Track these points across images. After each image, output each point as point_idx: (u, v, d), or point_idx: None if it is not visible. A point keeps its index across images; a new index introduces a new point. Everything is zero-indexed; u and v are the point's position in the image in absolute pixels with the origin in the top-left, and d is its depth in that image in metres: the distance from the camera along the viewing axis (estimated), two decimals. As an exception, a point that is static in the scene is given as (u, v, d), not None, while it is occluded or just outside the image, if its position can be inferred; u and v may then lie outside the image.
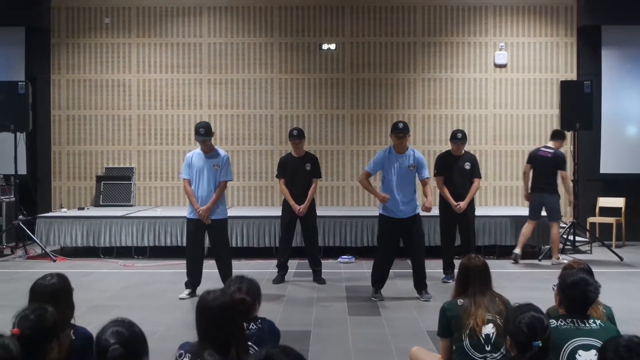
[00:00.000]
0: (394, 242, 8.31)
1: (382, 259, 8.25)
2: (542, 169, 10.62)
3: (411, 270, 8.31)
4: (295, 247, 9.75)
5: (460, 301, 4.33)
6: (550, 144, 10.83)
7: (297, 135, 9.23)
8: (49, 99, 13.50)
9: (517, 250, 10.60)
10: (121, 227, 11.19)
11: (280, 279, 9.19)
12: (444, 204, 9.40)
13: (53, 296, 3.62)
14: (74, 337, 3.65)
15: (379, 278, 8.24)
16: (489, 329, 4.18)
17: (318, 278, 9.22)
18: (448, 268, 9.30)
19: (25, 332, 2.98)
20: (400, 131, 8.13)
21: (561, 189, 10.86)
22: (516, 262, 10.52)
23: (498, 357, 4.11)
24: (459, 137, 9.42)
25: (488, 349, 4.16)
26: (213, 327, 3.27)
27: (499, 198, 13.29)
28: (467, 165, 9.36)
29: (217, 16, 13.53)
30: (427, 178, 8.30)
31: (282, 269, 9.27)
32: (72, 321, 3.78)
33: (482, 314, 4.20)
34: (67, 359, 3.49)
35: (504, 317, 4.02)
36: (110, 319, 3.10)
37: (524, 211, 12.02)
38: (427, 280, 8.28)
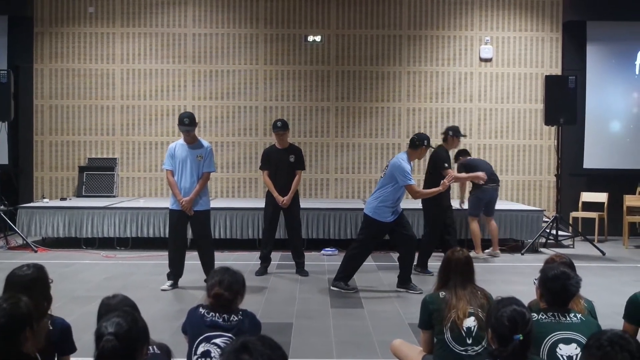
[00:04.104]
0: (377, 242, 8.50)
1: (363, 257, 8.31)
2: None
3: (393, 263, 8.32)
4: (278, 239, 9.73)
5: (442, 294, 4.33)
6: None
7: (281, 127, 9.18)
8: (32, 88, 13.38)
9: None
10: (103, 218, 11.12)
11: (263, 270, 9.16)
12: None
13: (28, 286, 3.58)
14: (51, 327, 3.63)
15: (353, 273, 8.30)
16: (470, 322, 4.17)
17: (301, 270, 9.20)
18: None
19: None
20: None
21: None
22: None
23: (479, 350, 4.11)
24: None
25: (469, 342, 4.16)
26: None
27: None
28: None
29: (202, 6, 13.45)
30: None
31: (265, 260, 9.24)
32: (49, 312, 3.74)
33: (464, 307, 4.20)
34: (45, 349, 3.47)
35: (485, 311, 4.03)
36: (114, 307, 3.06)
37: (507, 205, 12.11)
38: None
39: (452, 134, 9.51)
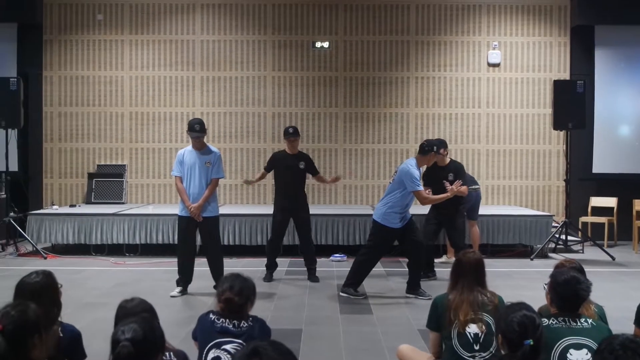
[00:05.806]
0: (388, 248, 8.53)
1: (372, 263, 8.32)
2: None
3: (402, 269, 8.32)
4: (286, 245, 9.73)
5: (450, 296, 4.32)
6: None
7: (292, 133, 9.21)
8: (41, 96, 13.44)
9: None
10: (112, 225, 11.14)
11: (270, 277, 9.17)
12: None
13: (37, 293, 3.58)
14: (61, 334, 3.63)
15: (362, 279, 8.29)
16: (476, 329, 4.16)
17: (312, 276, 9.19)
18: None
19: (7, 327, 2.95)
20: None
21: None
22: None
23: (487, 357, 4.10)
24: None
25: (477, 348, 4.15)
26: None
27: (491, 197, 13.28)
28: (451, 176, 9.13)
29: (210, 13, 13.49)
30: None
31: (271, 267, 9.26)
32: (59, 319, 3.74)
33: (465, 310, 4.18)
34: (55, 356, 3.47)
35: (493, 315, 4.02)
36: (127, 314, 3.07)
37: (516, 210, 12.07)
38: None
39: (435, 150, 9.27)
